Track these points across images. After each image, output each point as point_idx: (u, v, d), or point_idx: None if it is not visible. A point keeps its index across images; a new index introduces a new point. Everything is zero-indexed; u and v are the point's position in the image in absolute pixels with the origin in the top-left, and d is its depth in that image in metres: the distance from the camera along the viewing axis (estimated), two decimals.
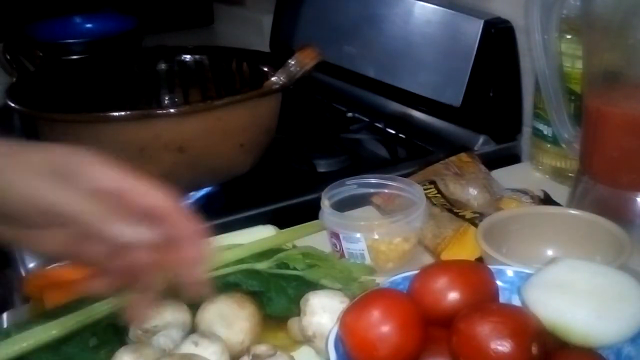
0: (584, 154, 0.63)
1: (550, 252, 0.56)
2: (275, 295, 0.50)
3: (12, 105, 0.67)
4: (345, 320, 0.38)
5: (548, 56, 0.65)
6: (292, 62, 0.68)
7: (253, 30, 1.21)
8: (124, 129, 0.64)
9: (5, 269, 0.65)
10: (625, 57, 0.59)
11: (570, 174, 0.69)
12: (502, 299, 0.41)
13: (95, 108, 0.72)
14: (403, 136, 0.85)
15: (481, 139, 0.81)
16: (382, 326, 0.36)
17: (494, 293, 0.40)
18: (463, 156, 0.69)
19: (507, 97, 0.81)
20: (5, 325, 0.53)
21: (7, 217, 0.38)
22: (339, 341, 0.38)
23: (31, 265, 0.60)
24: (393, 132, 0.86)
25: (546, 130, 0.72)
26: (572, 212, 0.58)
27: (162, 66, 0.83)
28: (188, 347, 0.44)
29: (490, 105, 0.80)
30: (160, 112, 0.70)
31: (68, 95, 0.76)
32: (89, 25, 1.16)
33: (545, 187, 0.67)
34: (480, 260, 0.55)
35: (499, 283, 0.41)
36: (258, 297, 0.50)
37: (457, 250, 0.57)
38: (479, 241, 0.53)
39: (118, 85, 0.81)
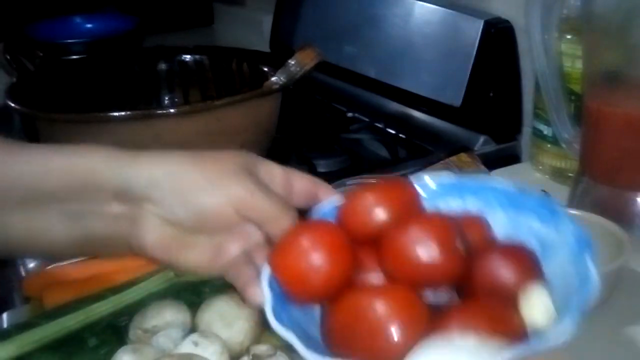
0: (584, 154, 0.63)
1: None
2: None
3: (12, 105, 0.67)
4: (275, 257, 0.38)
5: (548, 56, 0.65)
6: (292, 62, 0.68)
7: (253, 31, 1.21)
8: (124, 129, 0.64)
9: (5, 268, 0.65)
10: (625, 57, 0.59)
11: (570, 174, 0.69)
12: (428, 207, 0.41)
13: (95, 108, 0.72)
14: (403, 136, 0.85)
15: (481, 139, 0.81)
16: (311, 256, 0.36)
17: (418, 206, 0.40)
18: (463, 156, 0.69)
19: (507, 97, 0.81)
20: (5, 325, 0.53)
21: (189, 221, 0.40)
22: (273, 280, 0.37)
23: (31, 265, 0.60)
24: (393, 132, 0.86)
25: (546, 130, 0.72)
26: (572, 212, 0.58)
27: (162, 66, 0.83)
28: (188, 347, 0.44)
29: (490, 105, 0.80)
30: (160, 112, 0.70)
31: (68, 95, 0.76)
32: (89, 25, 1.16)
33: (545, 187, 0.67)
34: None
35: (424, 194, 0.41)
36: None
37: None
38: None
39: (118, 85, 0.81)
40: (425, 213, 0.40)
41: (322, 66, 0.72)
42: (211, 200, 0.40)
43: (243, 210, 0.40)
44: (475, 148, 0.79)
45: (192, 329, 0.48)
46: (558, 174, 0.72)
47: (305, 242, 0.37)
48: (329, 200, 0.42)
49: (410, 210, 0.39)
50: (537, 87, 0.70)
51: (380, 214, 0.39)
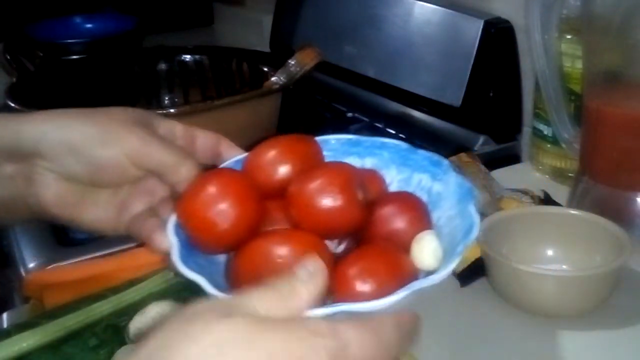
0: (584, 154, 0.63)
1: (550, 252, 0.56)
2: None
3: (12, 105, 0.67)
4: (181, 204, 0.38)
5: (548, 56, 0.65)
6: (292, 62, 0.68)
7: (253, 31, 1.21)
8: None
9: (5, 268, 0.65)
10: (625, 57, 0.59)
11: (570, 174, 0.69)
12: None
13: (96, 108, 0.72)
14: (403, 136, 0.85)
15: (481, 139, 0.81)
16: (219, 203, 0.36)
17: (320, 160, 0.41)
18: (463, 156, 0.69)
19: (507, 97, 0.81)
20: (5, 325, 0.53)
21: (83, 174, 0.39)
22: (179, 228, 0.37)
23: (31, 265, 0.60)
24: (393, 132, 0.86)
25: (546, 130, 0.72)
26: (572, 212, 0.58)
27: (162, 66, 0.83)
28: None
29: (490, 105, 0.80)
30: (160, 112, 0.70)
31: (68, 95, 0.76)
32: (89, 25, 1.16)
33: (545, 187, 0.67)
34: (479, 260, 0.55)
35: (325, 153, 0.42)
36: None
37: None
38: (479, 241, 0.53)
39: (118, 85, 0.81)
40: (329, 163, 0.41)
41: (322, 66, 0.72)
42: (104, 152, 0.39)
43: (139, 161, 0.39)
44: (475, 148, 0.79)
45: None
46: (558, 174, 0.72)
47: (212, 189, 0.37)
48: (232, 156, 0.43)
49: (312, 165, 0.40)
50: (537, 87, 0.70)
51: (283, 168, 0.39)
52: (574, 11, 0.64)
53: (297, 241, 0.36)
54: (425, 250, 0.36)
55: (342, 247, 0.39)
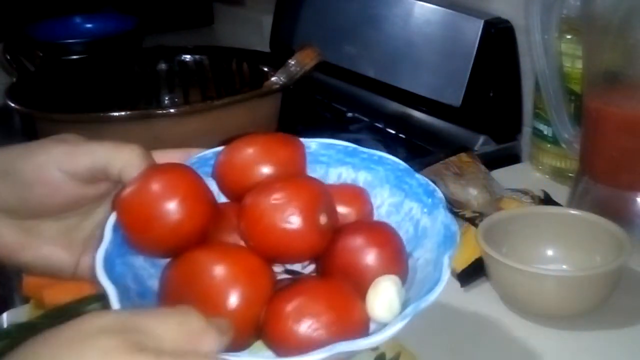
0: (584, 154, 0.63)
1: (550, 253, 0.56)
2: None
3: (12, 105, 0.67)
4: (120, 199, 0.33)
5: (548, 56, 0.65)
6: (292, 62, 0.68)
7: (253, 31, 1.21)
8: (124, 129, 0.63)
9: (5, 268, 0.65)
10: (625, 57, 0.59)
11: (570, 174, 0.69)
12: (319, 172, 0.38)
13: (95, 108, 0.72)
14: (403, 136, 0.85)
15: (481, 139, 0.81)
16: (161, 203, 0.32)
17: (301, 166, 0.37)
18: (463, 156, 0.69)
19: (507, 97, 0.81)
20: (5, 324, 0.53)
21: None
22: (117, 224, 0.33)
23: None
24: (393, 132, 0.86)
25: (546, 130, 0.72)
26: (572, 212, 0.58)
27: (162, 66, 0.83)
28: None
29: (490, 105, 0.80)
30: (160, 112, 0.70)
31: (68, 95, 0.76)
32: (89, 25, 1.16)
33: (545, 187, 0.66)
34: (479, 260, 0.55)
35: (320, 158, 0.39)
36: None
37: (457, 250, 0.57)
38: (479, 241, 0.53)
39: (118, 85, 0.81)
40: (295, 178, 0.36)
41: (322, 66, 0.72)
42: (30, 163, 0.35)
43: (71, 165, 0.35)
44: (475, 148, 0.79)
45: None
46: (558, 174, 0.72)
47: (156, 186, 0.33)
48: (206, 152, 0.38)
49: (293, 170, 0.36)
50: (537, 87, 0.69)
51: (262, 170, 0.35)
52: (574, 11, 0.64)
53: (235, 261, 0.32)
54: (380, 299, 0.31)
55: (309, 268, 0.35)
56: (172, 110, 0.68)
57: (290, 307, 0.30)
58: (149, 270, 0.34)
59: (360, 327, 0.31)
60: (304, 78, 0.69)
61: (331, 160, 0.39)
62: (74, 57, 1.00)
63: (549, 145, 0.72)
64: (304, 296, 0.31)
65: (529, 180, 0.71)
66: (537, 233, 0.56)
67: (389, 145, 0.83)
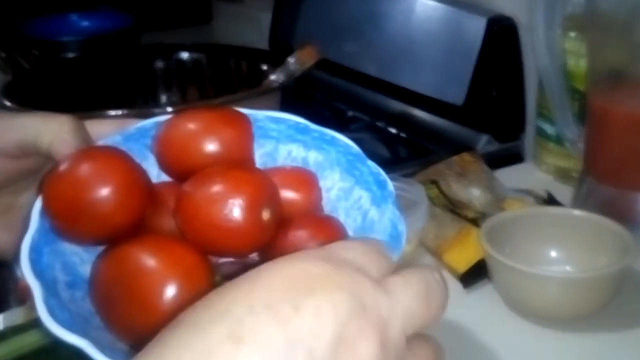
0: (588, 154, 0.62)
1: (553, 254, 0.56)
2: None
3: (8, 104, 0.67)
4: (47, 184, 0.31)
5: (552, 54, 0.64)
6: (292, 61, 0.68)
7: (252, 28, 1.20)
8: None
9: None
10: (629, 55, 0.58)
11: (574, 174, 0.68)
12: (269, 147, 0.36)
13: (92, 107, 0.72)
14: (404, 135, 0.84)
15: (484, 138, 0.80)
16: (91, 191, 0.30)
17: (247, 146, 0.35)
18: (465, 156, 0.69)
19: (510, 96, 0.80)
20: (0, 327, 0.52)
21: None
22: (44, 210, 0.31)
23: None
24: (394, 131, 0.86)
25: (550, 129, 0.71)
26: (576, 212, 0.57)
27: (160, 64, 0.83)
28: None
29: (493, 104, 0.80)
30: (158, 110, 0.69)
31: (64, 94, 0.76)
32: (85, 23, 1.15)
33: (548, 187, 0.66)
34: (482, 262, 0.54)
35: (270, 133, 0.36)
36: None
37: (459, 251, 0.56)
38: (482, 242, 0.52)
39: (115, 83, 0.80)
40: (236, 167, 0.33)
41: (322, 64, 0.71)
42: None
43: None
44: (478, 147, 0.79)
45: None
46: (562, 174, 0.72)
47: (85, 170, 0.30)
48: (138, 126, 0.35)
49: (237, 149, 0.34)
50: (541, 86, 0.69)
51: (201, 149, 0.33)
52: (578, 9, 0.64)
53: (170, 255, 0.30)
54: None
55: (238, 263, 0.33)
56: (169, 109, 0.67)
57: None
58: (82, 256, 0.32)
59: None
60: (303, 76, 0.68)
61: (281, 136, 0.37)
62: (70, 55, 0.99)
63: (552, 145, 0.71)
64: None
65: (532, 180, 0.71)
66: (541, 234, 0.56)
67: (390, 144, 0.82)
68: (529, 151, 0.80)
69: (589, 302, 0.51)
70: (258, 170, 0.35)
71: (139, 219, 0.32)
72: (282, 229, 0.32)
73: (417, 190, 0.59)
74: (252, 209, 0.30)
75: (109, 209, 0.30)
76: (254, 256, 0.33)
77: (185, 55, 0.82)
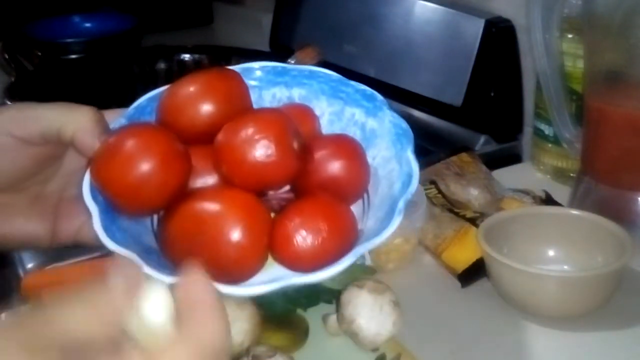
0: (586, 154, 0.63)
1: (551, 253, 0.56)
2: (276, 296, 0.50)
3: (11, 104, 0.67)
4: (97, 168, 0.33)
5: (549, 55, 0.65)
6: (292, 62, 0.68)
7: (252, 30, 1.20)
8: None
9: (3, 269, 0.65)
10: (626, 57, 0.59)
11: (571, 174, 0.68)
12: (253, 96, 0.39)
13: (94, 107, 0.72)
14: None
15: (482, 138, 0.80)
16: (140, 165, 0.32)
17: (246, 98, 0.38)
18: (464, 156, 0.69)
19: (508, 97, 0.81)
20: None
21: None
22: (95, 192, 0.33)
23: (29, 265, 0.59)
24: None
25: (547, 130, 0.71)
26: (574, 212, 0.58)
27: (161, 65, 0.83)
28: None
29: (491, 105, 0.80)
30: None
31: (67, 95, 0.75)
32: (87, 25, 1.15)
33: (546, 187, 0.66)
34: (480, 261, 0.54)
35: (249, 82, 0.38)
36: (258, 298, 0.50)
37: (458, 251, 0.57)
38: (480, 241, 0.52)
39: (117, 84, 0.81)
40: (259, 111, 0.37)
41: (322, 65, 0.71)
42: None
43: (24, 129, 0.34)
44: (476, 148, 0.79)
45: None
46: (559, 174, 0.72)
47: (131, 148, 0.33)
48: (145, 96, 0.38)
49: (238, 103, 0.36)
50: (538, 87, 0.69)
51: (206, 108, 0.35)
52: (575, 10, 0.64)
53: (229, 199, 0.33)
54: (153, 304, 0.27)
55: (280, 196, 0.36)
56: None
57: (291, 226, 0.33)
58: (137, 228, 0.34)
59: (353, 232, 0.34)
60: None
61: (262, 82, 0.39)
62: (73, 56, 1.00)
63: (550, 145, 0.72)
64: (302, 215, 0.33)
65: (530, 180, 0.71)
66: (538, 233, 0.56)
67: None
68: (527, 151, 0.80)
69: (586, 301, 0.51)
70: (274, 109, 0.37)
71: (185, 183, 0.34)
72: (307, 155, 0.36)
73: (416, 190, 0.59)
74: (283, 141, 0.34)
75: (161, 178, 0.33)
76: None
77: (186, 56, 0.83)
